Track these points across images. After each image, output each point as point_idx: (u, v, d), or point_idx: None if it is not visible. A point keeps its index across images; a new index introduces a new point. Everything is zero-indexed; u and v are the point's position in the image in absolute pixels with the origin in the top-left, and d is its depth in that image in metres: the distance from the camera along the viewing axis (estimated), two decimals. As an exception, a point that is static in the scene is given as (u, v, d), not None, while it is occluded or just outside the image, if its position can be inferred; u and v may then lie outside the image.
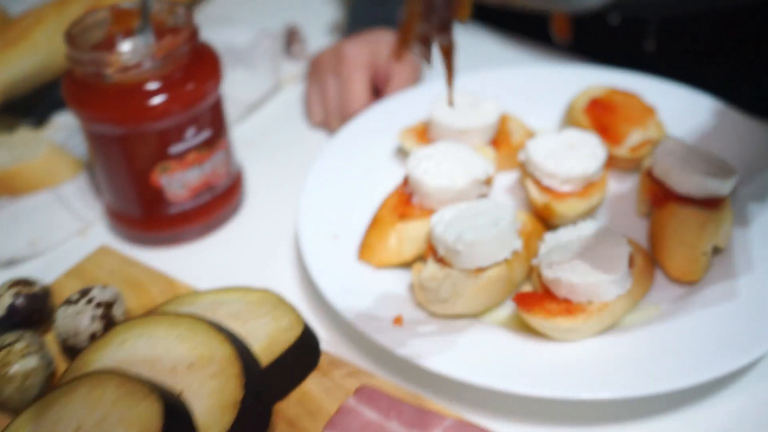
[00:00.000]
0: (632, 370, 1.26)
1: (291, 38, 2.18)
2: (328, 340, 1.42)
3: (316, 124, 1.97)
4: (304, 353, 1.30)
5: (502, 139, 1.73)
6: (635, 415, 1.29)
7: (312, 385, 1.27)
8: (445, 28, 0.83)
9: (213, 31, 2.21)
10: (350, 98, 1.86)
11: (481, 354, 1.31)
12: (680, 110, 1.77)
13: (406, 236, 1.49)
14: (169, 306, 1.32)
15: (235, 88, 2.04)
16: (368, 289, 1.44)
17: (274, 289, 1.42)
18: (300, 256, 1.51)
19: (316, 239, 1.52)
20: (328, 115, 1.92)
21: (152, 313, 1.26)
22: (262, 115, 2.03)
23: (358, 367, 1.32)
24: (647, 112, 1.72)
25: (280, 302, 1.37)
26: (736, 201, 1.57)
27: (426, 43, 0.85)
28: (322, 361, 1.24)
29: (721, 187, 1.50)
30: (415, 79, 1.95)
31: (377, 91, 1.94)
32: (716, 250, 1.49)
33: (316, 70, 1.98)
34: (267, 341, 1.27)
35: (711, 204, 1.50)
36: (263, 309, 1.34)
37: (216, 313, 1.31)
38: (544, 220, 1.55)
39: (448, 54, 0.90)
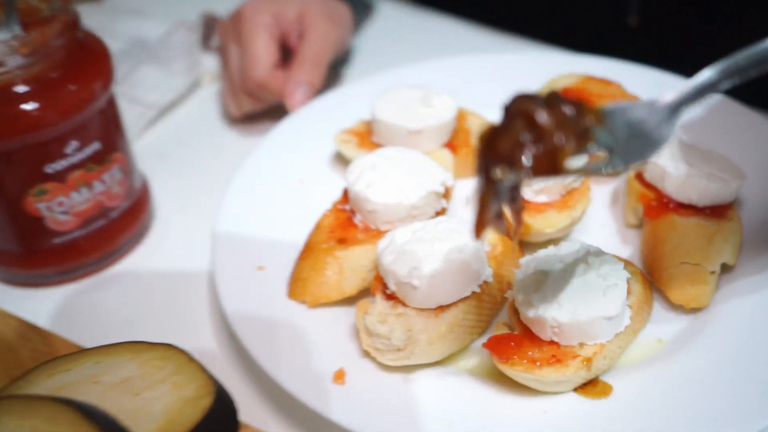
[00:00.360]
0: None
1: (209, 29, 1.87)
2: (250, 409, 1.12)
3: (235, 118, 1.68)
4: (215, 429, 0.99)
5: (461, 141, 1.45)
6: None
7: None
8: (514, 200, 0.87)
9: (121, 24, 1.89)
10: (251, 63, 1.55)
11: (449, 419, 1.03)
12: (668, 100, 1.50)
13: (348, 266, 1.20)
14: (35, 377, 1.00)
15: (143, 89, 1.74)
16: (301, 335, 1.15)
17: (181, 342, 1.11)
18: (216, 295, 1.20)
19: (236, 273, 1.23)
20: (232, 89, 1.63)
21: (2, 394, 0.94)
22: (176, 120, 1.73)
23: (289, 443, 1.02)
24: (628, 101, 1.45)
25: (186, 362, 1.06)
26: (741, 208, 1.31)
27: (500, 218, 0.88)
28: None
29: (727, 191, 1.24)
30: (335, 34, 1.64)
31: (290, 53, 1.64)
32: (724, 268, 1.22)
33: (221, 44, 1.69)
34: (165, 420, 0.97)
35: (716, 213, 1.24)
36: (162, 373, 1.03)
37: (99, 383, 1.01)
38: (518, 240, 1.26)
39: (518, 216, 0.92)
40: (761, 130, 1.42)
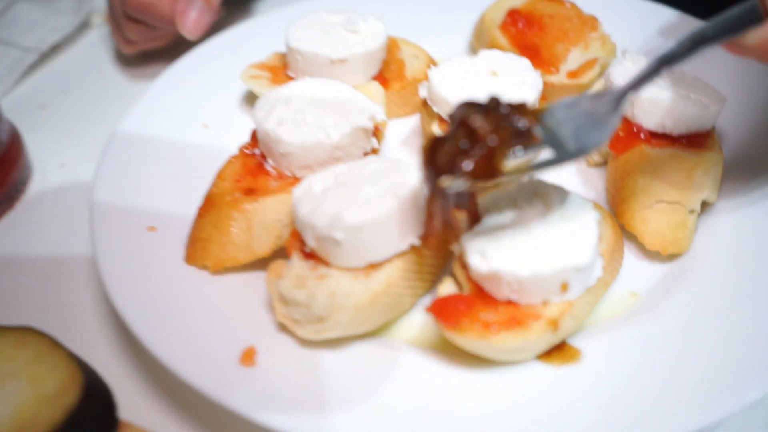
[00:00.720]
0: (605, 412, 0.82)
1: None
2: (135, 403, 0.89)
3: (127, 55, 1.43)
4: None
5: (393, 73, 1.24)
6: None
7: None
8: (463, 205, 0.87)
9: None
10: None
11: (386, 404, 0.82)
12: (630, 20, 1.31)
13: (258, 222, 0.98)
14: None
15: (20, 29, 1.48)
16: (201, 309, 0.93)
17: (52, 323, 0.89)
18: (95, 263, 0.96)
19: (121, 235, 1.00)
20: (115, 17, 1.38)
21: None
22: (61, 66, 1.48)
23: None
24: (587, 24, 1.26)
25: (48, 349, 0.84)
26: (720, 136, 1.13)
27: (450, 224, 0.87)
28: None
29: (706, 116, 1.05)
30: None
31: None
32: (703, 207, 1.05)
33: None
34: (12, 427, 0.73)
35: (694, 142, 1.06)
36: (15, 365, 0.81)
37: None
38: (463, 182, 1.06)
39: (470, 219, 0.91)
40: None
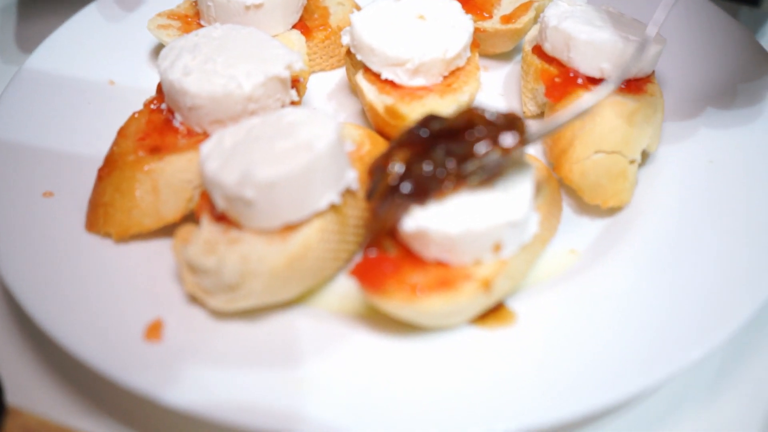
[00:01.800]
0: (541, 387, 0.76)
1: None
2: (24, 388, 0.79)
3: None
4: None
5: (316, 21, 1.15)
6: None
7: None
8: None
9: None
10: None
11: (306, 376, 0.74)
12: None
13: (165, 183, 0.90)
14: None
15: None
16: (103, 280, 0.85)
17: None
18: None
19: (13, 201, 0.91)
20: None
21: None
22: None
23: (75, 428, 0.73)
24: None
25: None
26: (661, 83, 1.08)
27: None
28: (10, 428, 0.77)
29: (646, 59, 1.00)
30: None
31: None
32: (643, 157, 1.00)
33: None
34: None
35: (635, 87, 1.00)
36: None
37: None
38: (390, 135, 0.98)
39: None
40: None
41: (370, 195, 0.82)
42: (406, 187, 0.79)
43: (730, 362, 0.87)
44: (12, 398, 0.77)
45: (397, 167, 0.81)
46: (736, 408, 0.83)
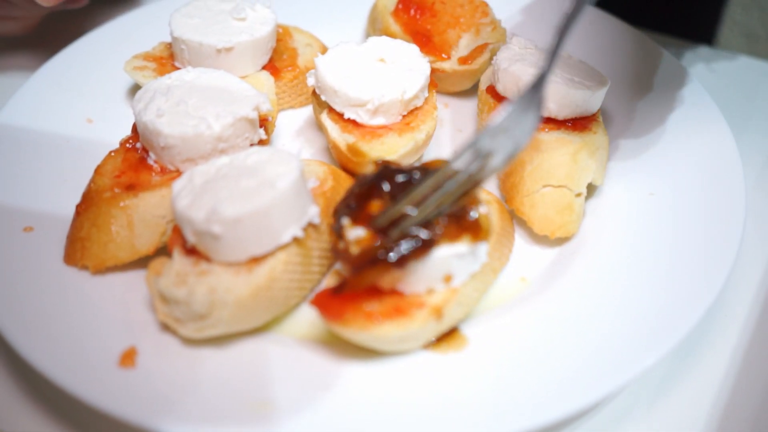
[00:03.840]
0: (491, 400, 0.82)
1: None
2: (5, 411, 0.87)
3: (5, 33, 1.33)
4: None
5: (285, 62, 1.22)
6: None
7: None
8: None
9: None
10: None
11: (271, 398, 0.80)
12: (519, 7, 1.32)
13: (139, 219, 0.96)
14: None
15: None
16: (80, 310, 0.90)
17: None
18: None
19: (-6, 236, 0.95)
20: None
21: None
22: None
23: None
24: (477, 10, 1.26)
25: None
26: (607, 120, 1.15)
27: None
28: None
29: (590, 100, 1.07)
30: None
31: None
32: (590, 190, 1.06)
33: None
34: None
35: (579, 125, 1.07)
36: None
37: None
38: (353, 171, 1.05)
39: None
40: (624, 36, 1.26)
41: (336, 245, 0.86)
42: (393, 257, 0.82)
43: (668, 378, 0.94)
44: (-7, 423, 0.83)
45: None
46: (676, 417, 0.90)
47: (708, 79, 1.34)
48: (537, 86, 0.88)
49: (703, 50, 1.42)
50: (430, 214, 0.84)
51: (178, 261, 0.88)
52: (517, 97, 0.87)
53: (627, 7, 1.49)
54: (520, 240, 1.05)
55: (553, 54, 0.89)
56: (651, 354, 0.84)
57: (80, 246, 0.95)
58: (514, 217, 1.05)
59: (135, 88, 1.20)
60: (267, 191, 0.85)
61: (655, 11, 1.69)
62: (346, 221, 0.86)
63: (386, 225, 0.84)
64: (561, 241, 1.03)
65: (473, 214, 0.87)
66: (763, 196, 1.16)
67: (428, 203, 0.84)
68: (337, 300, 0.84)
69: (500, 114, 0.86)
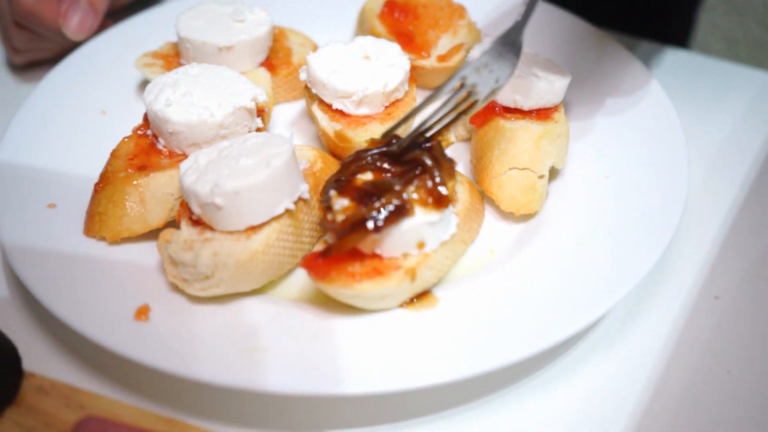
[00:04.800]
0: (455, 351, 0.95)
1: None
2: (37, 357, 0.99)
3: (16, 64, 1.45)
4: None
5: (280, 60, 1.34)
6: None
7: (7, 427, 0.87)
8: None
9: None
10: None
11: (264, 345, 0.93)
12: (493, 10, 1.45)
13: (151, 196, 1.08)
14: None
15: None
16: (99, 274, 1.02)
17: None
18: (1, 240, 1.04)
19: (21, 210, 1.08)
20: (3, 24, 1.39)
21: None
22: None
23: (80, 388, 0.90)
24: (455, 12, 1.39)
25: None
26: (569, 111, 1.28)
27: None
28: (26, 388, 0.87)
29: (552, 92, 1.19)
30: None
31: None
32: (553, 173, 1.18)
33: None
34: None
35: (543, 115, 1.20)
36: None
37: None
38: (340, 156, 1.17)
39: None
40: (588, 36, 1.39)
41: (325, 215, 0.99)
42: (371, 224, 0.95)
43: (620, 326, 1.07)
44: (27, 365, 0.95)
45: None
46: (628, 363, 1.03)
47: (670, 77, 1.47)
48: (515, 31, 1.02)
49: (670, 51, 1.54)
50: (422, 132, 1.00)
51: (186, 230, 1.01)
52: (497, 39, 1.00)
53: (604, 10, 1.63)
54: (489, 217, 1.17)
55: (530, 7, 1.04)
56: (601, 306, 0.97)
57: (98, 220, 1.07)
58: (484, 197, 1.18)
59: (144, 83, 1.32)
60: (263, 169, 0.98)
61: (631, 14, 1.82)
62: (333, 193, 0.99)
63: (400, 149, 1.02)
64: (526, 217, 1.16)
65: (442, 190, 1.00)
66: (710, 179, 1.29)
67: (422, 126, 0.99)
68: (323, 262, 0.97)
69: (481, 51, 0.99)
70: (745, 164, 1.32)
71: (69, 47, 1.37)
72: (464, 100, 1.04)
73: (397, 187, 0.97)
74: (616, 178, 1.17)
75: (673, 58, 1.53)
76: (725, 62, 1.53)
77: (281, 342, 0.95)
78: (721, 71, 1.51)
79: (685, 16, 1.96)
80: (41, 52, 1.41)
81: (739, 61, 1.53)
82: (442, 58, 1.33)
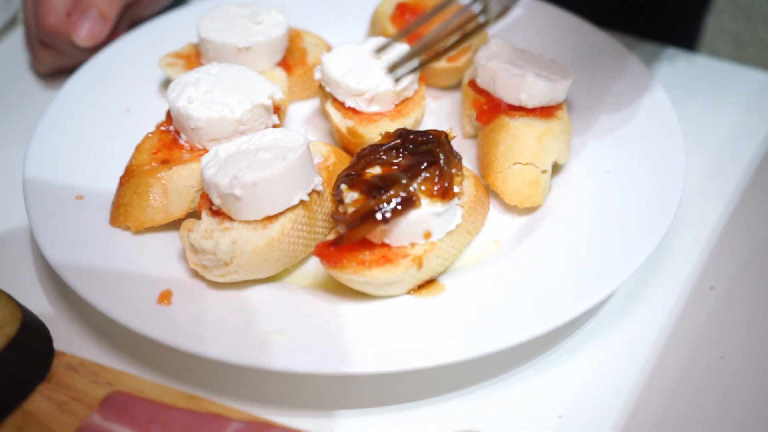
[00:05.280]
0: (461, 333, 1.00)
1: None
2: (67, 337, 1.05)
3: (43, 73, 1.51)
4: (23, 359, 0.94)
5: (296, 60, 1.40)
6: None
7: (40, 402, 0.91)
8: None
9: None
10: (42, 9, 1.36)
11: (279, 329, 0.99)
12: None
13: (173, 188, 1.14)
14: None
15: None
16: (124, 261, 1.08)
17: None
18: (32, 229, 1.11)
19: (51, 202, 1.14)
20: (29, 40, 1.45)
21: None
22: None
23: (107, 366, 0.96)
24: (464, 14, 1.43)
25: None
26: (572, 109, 1.33)
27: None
28: (57, 366, 0.91)
29: (556, 90, 1.24)
30: None
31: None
32: (556, 168, 1.24)
33: None
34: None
35: (546, 113, 1.25)
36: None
37: None
38: (352, 151, 1.23)
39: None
40: (592, 38, 1.44)
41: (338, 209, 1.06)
42: (379, 215, 1.01)
43: (619, 314, 1.12)
44: (58, 345, 1.01)
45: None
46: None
47: (670, 77, 1.52)
48: None
49: (670, 51, 1.59)
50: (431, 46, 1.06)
51: (206, 220, 1.07)
52: None
53: (611, 14, 1.67)
54: (494, 210, 1.23)
55: None
56: (599, 293, 1.02)
57: (123, 210, 1.14)
58: (489, 191, 1.23)
59: (166, 82, 1.39)
60: (279, 162, 1.04)
61: (639, 18, 1.87)
62: (344, 187, 1.05)
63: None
64: (529, 210, 1.21)
65: (448, 182, 1.05)
66: (708, 174, 1.34)
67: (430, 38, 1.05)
68: (335, 250, 1.03)
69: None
70: (742, 161, 1.36)
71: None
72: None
73: (404, 181, 1.03)
74: (617, 173, 1.22)
75: (673, 58, 1.58)
76: (725, 62, 1.57)
77: (295, 325, 1.00)
78: (722, 71, 1.56)
79: (692, 19, 1.99)
80: (64, 62, 1.46)
81: (747, 63, 1.57)
82: (450, 59, 1.39)
